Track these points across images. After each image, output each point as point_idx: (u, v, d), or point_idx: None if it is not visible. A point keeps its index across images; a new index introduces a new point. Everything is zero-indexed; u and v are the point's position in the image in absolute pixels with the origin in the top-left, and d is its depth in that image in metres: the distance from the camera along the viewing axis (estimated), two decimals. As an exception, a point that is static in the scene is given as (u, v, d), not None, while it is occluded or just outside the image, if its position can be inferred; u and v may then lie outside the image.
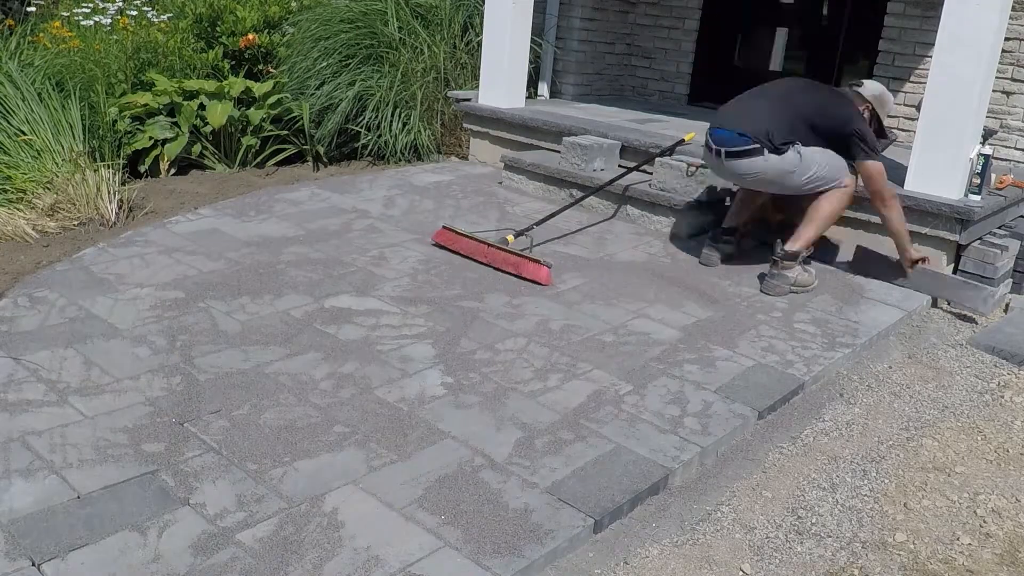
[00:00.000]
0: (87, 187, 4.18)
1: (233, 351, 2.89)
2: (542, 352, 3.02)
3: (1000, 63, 4.53)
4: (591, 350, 3.06)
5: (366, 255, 3.83)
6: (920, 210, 3.81)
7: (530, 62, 5.65)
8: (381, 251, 3.89)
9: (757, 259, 4.05)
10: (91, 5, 6.43)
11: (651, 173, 4.50)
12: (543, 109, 5.55)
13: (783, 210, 4.14)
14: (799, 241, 3.70)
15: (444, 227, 4.00)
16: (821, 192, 3.72)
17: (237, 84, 5.51)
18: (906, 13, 5.11)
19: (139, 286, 3.36)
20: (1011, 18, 4.39)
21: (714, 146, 3.67)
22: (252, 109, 5.51)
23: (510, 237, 3.86)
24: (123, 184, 4.59)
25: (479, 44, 5.60)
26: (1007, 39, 4.36)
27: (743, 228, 4.09)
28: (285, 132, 5.64)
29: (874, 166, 3.61)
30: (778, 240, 3.71)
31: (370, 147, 5.63)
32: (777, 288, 3.69)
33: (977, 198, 3.79)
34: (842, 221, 4.09)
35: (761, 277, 3.78)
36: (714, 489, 2.45)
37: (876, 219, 3.95)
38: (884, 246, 3.98)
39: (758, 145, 3.56)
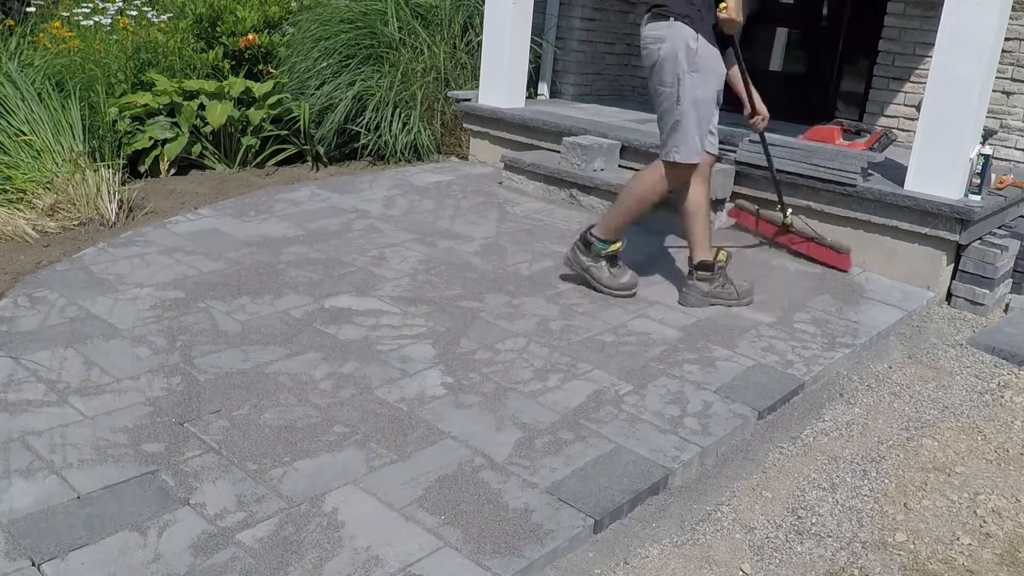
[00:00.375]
0: (87, 187, 4.18)
1: (233, 351, 2.89)
2: (542, 352, 3.02)
3: (1000, 63, 4.53)
4: (591, 350, 3.06)
5: (366, 255, 3.83)
6: (920, 210, 3.81)
7: (530, 62, 5.65)
8: (381, 251, 3.89)
9: (755, 259, 4.05)
10: (91, 5, 6.43)
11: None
12: (543, 109, 5.55)
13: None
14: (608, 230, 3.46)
15: (736, 205, 4.30)
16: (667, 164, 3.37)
17: (237, 84, 5.51)
18: (906, 13, 5.11)
19: (139, 286, 3.36)
20: (1011, 18, 4.39)
21: None
22: (252, 109, 5.51)
23: (789, 220, 4.05)
24: (123, 184, 4.59)
25: (479, 44, 5.60)
26: (1007, 39, 4.36)
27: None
28: (285, 132, 5.64)
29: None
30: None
31: (370, 147, 5.63)
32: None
33: (977, 198, 3.79)
34: (837, 221, 4.10)
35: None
36: (714, 489, 2.45)
37: (876, 218, 3.96)
38: (883, 246, 3.99)
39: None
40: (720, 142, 4.59)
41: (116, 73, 5.45)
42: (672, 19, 3.19)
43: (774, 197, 4.10)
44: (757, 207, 4.25)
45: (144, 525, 2.02)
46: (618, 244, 3.48)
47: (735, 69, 3.42)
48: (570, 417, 2.61)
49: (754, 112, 3.57)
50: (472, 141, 5.68)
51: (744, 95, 3.50)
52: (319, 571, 1.92)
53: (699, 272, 3.46)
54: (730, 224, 4.38)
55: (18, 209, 4.11)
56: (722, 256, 3.48)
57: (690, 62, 3.18)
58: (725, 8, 3.16)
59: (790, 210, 4.05)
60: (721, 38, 3.27)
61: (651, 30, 3.30)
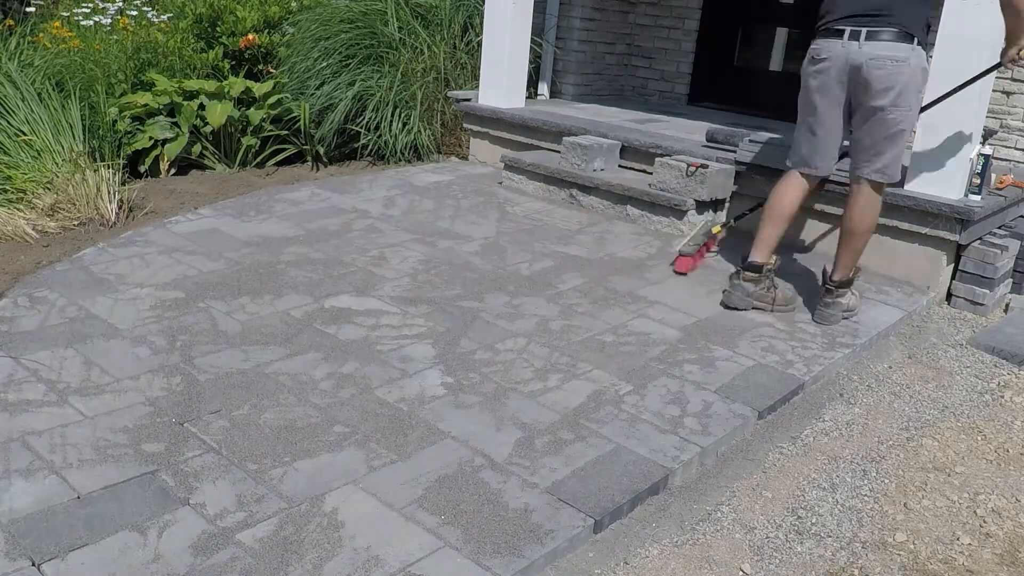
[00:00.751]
0: (87, 187, 4.18)
1: (233, 351, 2.89)
2: (542, 352, 3.02)
3: (1000, 63, 4.52)
4: (591, 350, 3.06)
5: (366, 255, 3.83)
6: (920, 210, 3.81)
7: (530, 62, 5.65)
8: (381, 251, 3.89)
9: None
10: (91, 5, 6.43)
11: (651, 173, 4.50)
12: (543, 109, 5.55)
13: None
14: (841, 268, 3.43)
15: (682, 254, 3.86)
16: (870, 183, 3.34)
17: (237, 84, 5.51)
18: (906, 13, 5.10)
19: (139, 286, 3.36)
20: (1011, 18, 4.38)
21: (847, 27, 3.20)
22: (252, 109, 5.51)
23: (717, 228, 4.00)
24: (123, 184, 4.59)
25: (479, 44, 5.60)
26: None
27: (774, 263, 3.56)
28: (285, 132, 5.64)
29: None
30: (824, 266, 3.49)
31: (370, 147, 5.63)
32: (832, 318, 3.45)
33: (977, 198, 3.79)
34: (838, 221, 4.08)
35: (814, 307, 3.50)
36: (714, 489, 2.45)
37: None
38: (883, 246, 3.99)
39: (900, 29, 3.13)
40: (720, 142, 4.62)
41: (116, 73, 5.45)
42: (915, 43, 3.13)
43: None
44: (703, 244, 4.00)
45: (144, 525, 2.02)
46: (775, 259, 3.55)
47: None
48: (570, 417, 2.61)
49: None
50: (472, 141, 5.68)
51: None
52: (319, 571, 1.92)
53: (747, 272, 3.48)
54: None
55: (18, 209, 4.11)
56: (773, 260, 3.49)
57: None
58: None
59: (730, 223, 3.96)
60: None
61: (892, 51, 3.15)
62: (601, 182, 4.59)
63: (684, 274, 3.83)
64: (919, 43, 3.12)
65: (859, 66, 3.14)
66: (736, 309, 3.45)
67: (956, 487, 2.56)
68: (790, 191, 3.49)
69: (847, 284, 3.45)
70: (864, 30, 3.14)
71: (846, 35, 3.17)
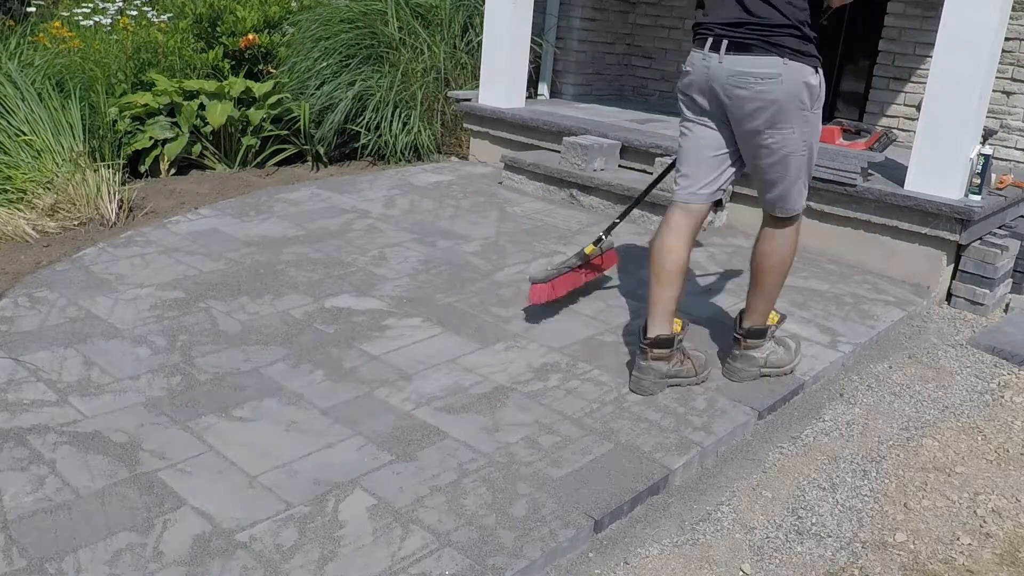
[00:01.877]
0: (87, 187, 4.18)
1: (233, 351, 2.89)
2: (542, 352, 3.02)
3: (1000, 63, 4.53)
4: (591, 350, 3.06)
5: (366, 255, 3.83)
6: (920, 210, 3.81)
7: (530, 62, 5.65)
8: (381, 251, 3.89)
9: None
10: (91, 5, 6.43)
11: (651, 173, 4.50)
12: (543, 109, 5.55)
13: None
14: (751, 314, 2.89)
15: (533, 282, 3.21)
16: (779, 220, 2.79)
17: (237, 84, 5.51)
18: (906, 13, 5.11)
19: (139, 286, 3.36)
20: (1011, 18, 4.39)
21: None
22: (252, 109, 5.51)
23: (590, 248, 3.37)
24: (123, 184, 4.59)
25: (479, 44, 5.60)
26: (1007, 39, 4.36)
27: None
28: (285, 132, 5.64)
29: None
30: (740, 313, 2.94)
31: (370, 147, 5.63)
32: (740, 374, 2.90)
33: (977, 198, 3.79)
34: (838, 221, 4.10)
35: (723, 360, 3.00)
36: (714, 489, 2.45)
37: (876, 218, 3.96)
38: (883, 246, 3.99)
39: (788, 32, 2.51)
40: None
41: (116, 73, 5.45)
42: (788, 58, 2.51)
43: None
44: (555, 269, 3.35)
45: (144, 525, 2.02)
46: (774, 315, 2.97)
47: None
48: (570, 417, 2.61)
49: None
50: (472, 141, 5.68)
51: None
52: (319, 571, 1.92)
53: (655, 350, 2.77)
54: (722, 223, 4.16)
55: (18, 209, 4.11)
56: (679, 325, 2.82)
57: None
58: None
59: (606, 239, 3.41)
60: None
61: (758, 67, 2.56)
62: (601, 182, 4.59)
63: (541, 304, 3.24)
64: (797, 54, 2.51)
65: (721, 85, 2.57)
66: (651, 395, 2.78)
67: (956, 487, 2.56)
68: (675, 237, 2.72)
69: (759, 335, 2.88)
70: (726, 41, 2.56)
71: (707, 45, 2.60)
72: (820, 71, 2.57)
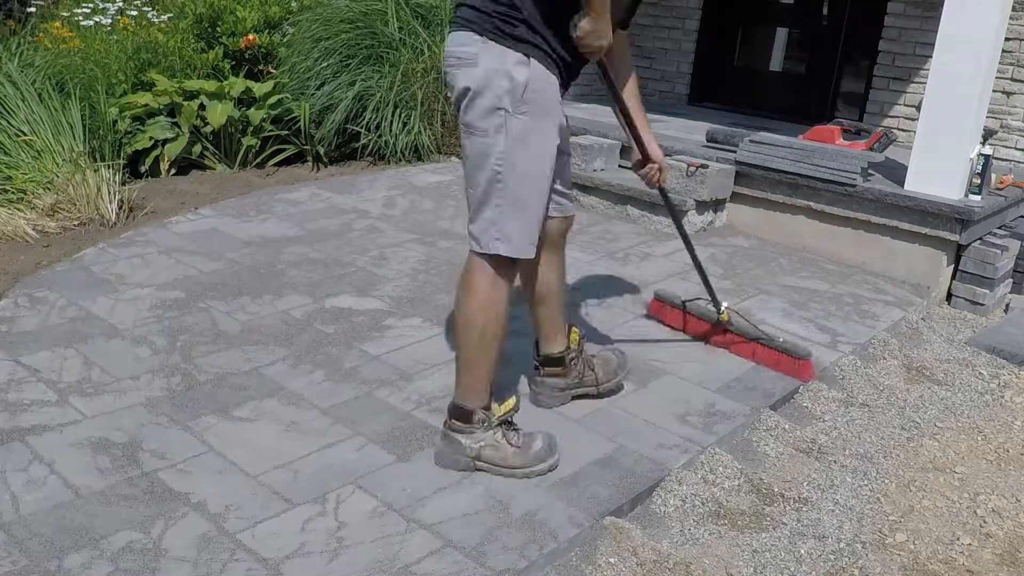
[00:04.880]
0: (87, 187, 4.18)
1: (233, 351, 2.89)
2: (542, 352, 3.02)
3: (1000, 63, 4.53)
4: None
5: (366, 255, 3.83)
6: (920, 210, 3.81)
7: (531, 62, 5.64)
8: (381, 251, 3.89)
9: (756, 255, 4.03)
10: (91, 5, 6.42)
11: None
12: (543, 109, 5.54)
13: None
14: (456, 386, 2.30)
15: (656, 297, 3.26)
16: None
17: (237, 84, 5.50)
18: (906, 13, 5.11)
19: (139, 286, 3.36)
20: (1011, 18, 4.39)
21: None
22: (252, 109, 5.51)
23: (724, 315, 3.07)
24: (123, 184, 4.59)
25: (479, 44, 5.59)
26: (1007, 39, 4.36)
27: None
28: (285, 132, 5.64)
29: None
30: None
31: (370, 147, 5.62)
32: (443, 459, 2.29)
33: (977, 198, 3.79)
34: (838, 221, 4.10)
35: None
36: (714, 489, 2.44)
37: (876, 218, 3.95)
38: (883, 246, 3.99)
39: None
40: (721, 142, 4.61)
41: (116, 73, 5.44)
42: (487, 38, 2.07)
43: (778, 199, 4.09)
44: (683, 300, 3.22)
45: (145, 525, 2.02)
46: (510, 401, 2.30)
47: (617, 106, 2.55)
48: (570, 417, 2.61)
49: (645, 160, 2.62)
50: (472, 141, 5.67)
51: (630, 136, 2.60)
52: (321, 571, 1.92)
53: (548, 368, 2.60)
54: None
55: (18, 209, 4.11)
56: (574, 338, 2.62)
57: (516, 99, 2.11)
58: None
59: (725, 304, 3.08)
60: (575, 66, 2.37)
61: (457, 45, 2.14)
62: (601, 182, 4.59)
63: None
64: (502, 35, 2.06)
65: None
66: (549, 408, 2.62)
67: (956, 487, 2.56)
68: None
69: (464, 416, 2.25)
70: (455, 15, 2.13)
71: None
72: (549, 69, 2.11)
